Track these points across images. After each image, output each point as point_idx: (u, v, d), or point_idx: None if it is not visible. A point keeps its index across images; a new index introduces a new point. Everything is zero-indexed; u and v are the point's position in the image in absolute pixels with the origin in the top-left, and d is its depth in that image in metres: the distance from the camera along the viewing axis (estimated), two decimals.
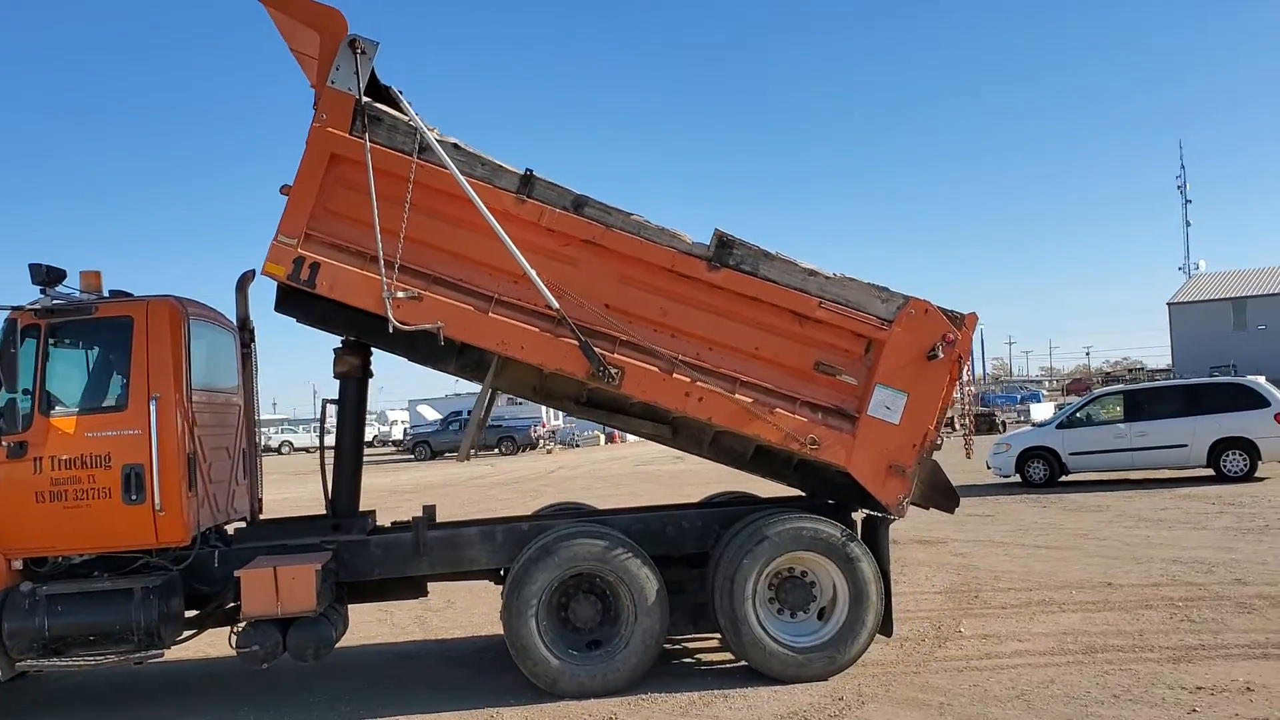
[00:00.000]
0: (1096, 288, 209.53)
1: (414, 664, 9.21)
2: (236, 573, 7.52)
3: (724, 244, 7.87)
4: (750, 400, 7.89)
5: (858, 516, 8.53)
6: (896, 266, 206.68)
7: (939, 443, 8.03)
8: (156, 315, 7.73)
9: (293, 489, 28.30)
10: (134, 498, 7.46)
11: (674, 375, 7.82)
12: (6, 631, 7.33)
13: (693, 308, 7.90)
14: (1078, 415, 21.06)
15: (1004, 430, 35.67)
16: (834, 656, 7.82)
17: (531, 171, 7.85)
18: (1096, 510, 16.72)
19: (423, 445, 49.13)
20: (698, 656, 8.79)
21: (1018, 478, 20.95)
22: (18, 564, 7.56)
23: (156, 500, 7.46)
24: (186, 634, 8.15)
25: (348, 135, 7.57)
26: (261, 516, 9.09)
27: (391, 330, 7.60)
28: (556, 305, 7.63)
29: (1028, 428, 26.13)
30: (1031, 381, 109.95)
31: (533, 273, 7.59)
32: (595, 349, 7.69)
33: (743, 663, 7.94)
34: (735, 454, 8.63)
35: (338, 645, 9.36)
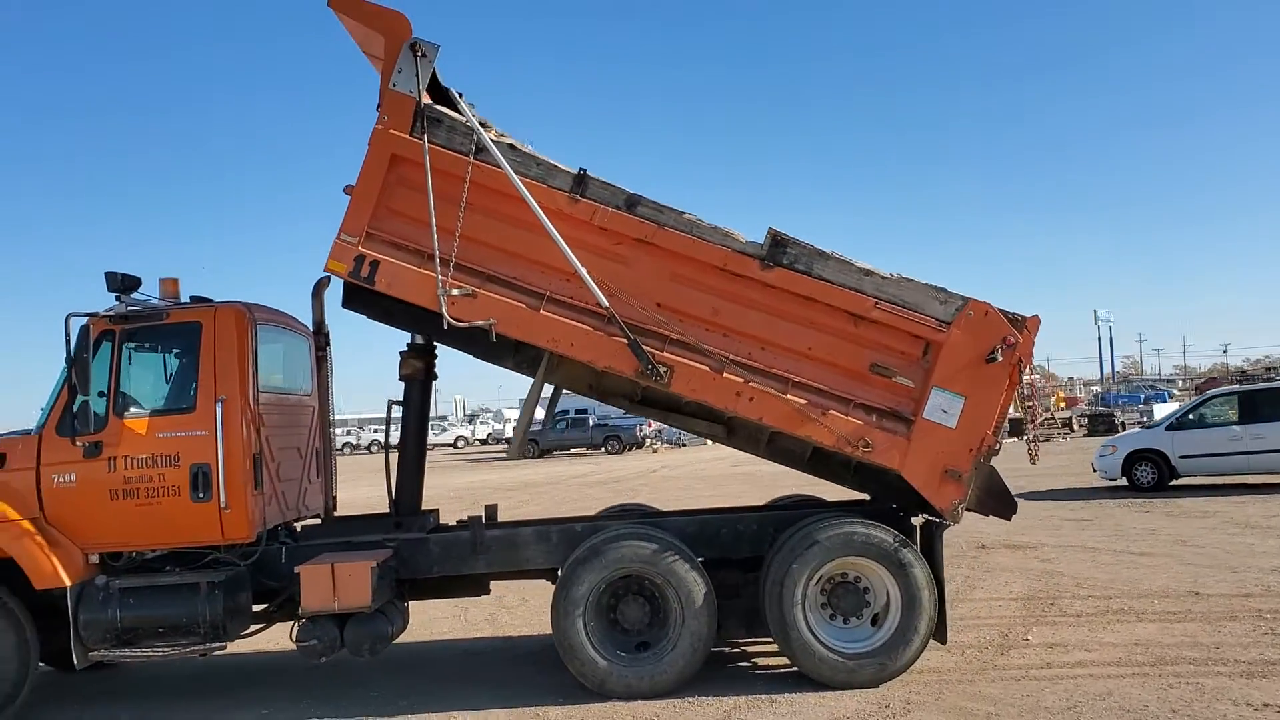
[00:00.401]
0: (1237, 283, 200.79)
1: (478, 660, 9.39)
2: (296, 569, 7.77)
3: (778, 243, 7.83)
4: (803, 401, 7.83)
5: (918, 522, 8.40)
6: (1021, 258, 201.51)
7: (997, 448, 7.85)
8: (224, 321, 8.03)
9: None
10: (201, 496, 7.77)
11: (724, 374, 7.81)
12: (82, 622, 7.70)
13: (745, 307, 7.88)
14: (1189, 416, 20.27)
15: (1123, 431, 34.49)
16: (885, 663, 7.72)
17: (585, 171, 7.94)
18: (1202, 516, 16.08)
19: (530, 443, 49.72)
20: (755, 660, 8.76)
21: (1124, 481, 20.28)
22: (94, 558, 7.93)
23: (222, 498, 7.75)
24: (255, 628, 8.45)
25: (408, 136, 7.75)
26: (336, 514, 9.37)
27: (446, 327, 7.77)
28: (606, 303, 7.69)
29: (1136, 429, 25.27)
30: (1162, 380, 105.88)
31: (583, 270, 7.66)
32: (645, 347, 7.73)
33: (795, 668, 7.88)
34: (793, 455, 8.59)
35: (408, 641, 9.70)
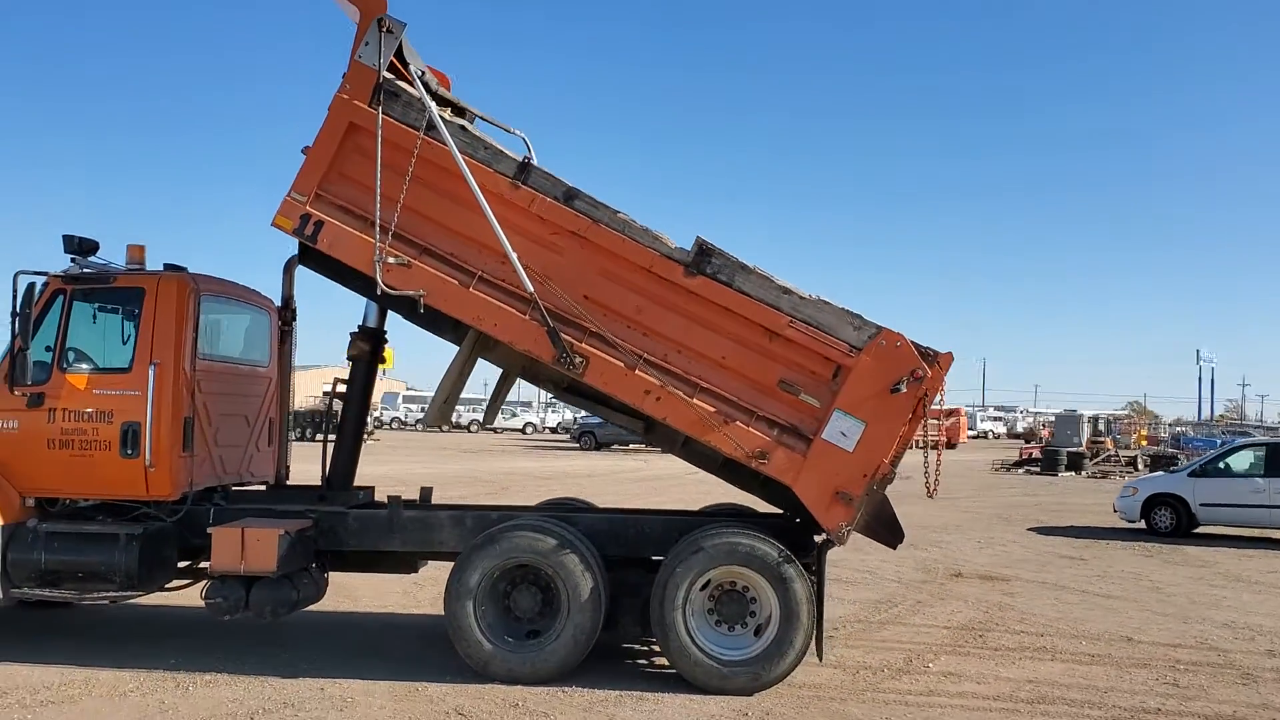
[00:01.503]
0: None
1: (394, 635, 9.74)
2: (209, 529, 8.19)
3: (704, 252, 8.04)
4: (709, 408, 8.02)
5: (821, 539, 8.50)
6: (1120, 295, 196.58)
7: (891, 477, 7.93)
8: (165, 289, 8.49)
9: (398, 464, 29.59)
10: (129, 452, 8.25)
11: (636, 372, 8.03)
12: (10, 560, 8.22)
13: (667, 309, 8.11)
14: (1214, 465, 19.84)
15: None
16: (758, 674, 7.87)
17: (529, 159, 8.30)
18: (1198, 565, 15.77)
19: (588, 435, 50.00)
20: (653, 660, 8.92)
21: (1143, 524, 19.92)
22: (30, 502, 8.46)
23: (147, 456, 8.22)
24: (182, 583, 8.91)
25: (365, 106, 8.12)
26: (284, 484, 9.82)
27: (379, 293, 8.16)
28: (531, 288, 7.97)
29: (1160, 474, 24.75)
30: (1263, 427, 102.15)
31: (512, 253, 7.95)
32: (564, 336, 7.99)
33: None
34: (708, 459, 8.81)
35: (349, 610, 10.13)
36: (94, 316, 8.64)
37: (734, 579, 8.08)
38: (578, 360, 8.05)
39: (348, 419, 9.41)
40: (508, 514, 8.76)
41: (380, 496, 9.48)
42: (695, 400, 8.03)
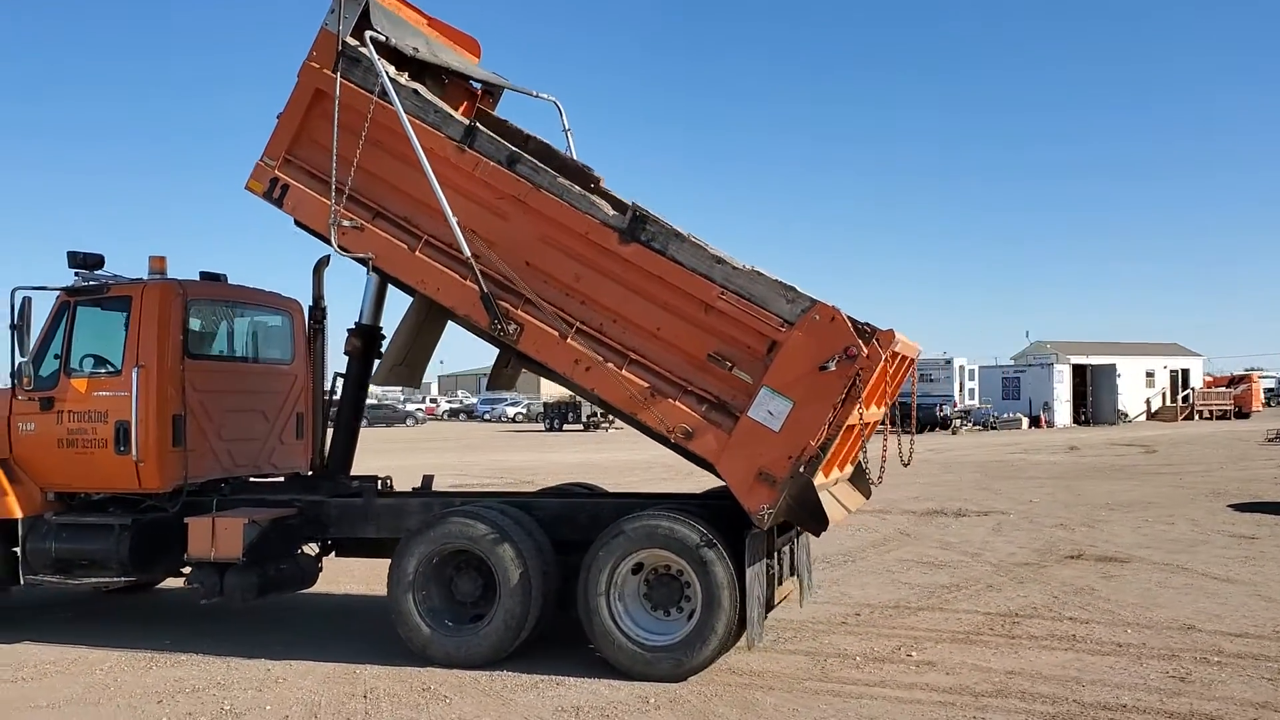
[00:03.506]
0: None
1: (364, 618, 9.93)
2: (186, 519, 8.73)
3: (638, 218, 7.86)
4: (638, 381, 7.84)
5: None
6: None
7: (818, 460, 7.44)
8: (150, 296, 9.11)
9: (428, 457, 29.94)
10: (122, 449, 8.92)
11: (568, 341, 7.95)
12: (28, 550, 9.07)
13: (603, 277, 8.00)
14: None
15: None
16: (681, 660, 7.59)
17: (475, 124, 8.36)
18: None
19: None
20: None
21: None
22: (50, 496, 9.29)
23: (135, 452, 8.85)
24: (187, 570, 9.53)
25: (328, 72, 8.42)
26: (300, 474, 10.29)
27: (335, 254, 8.50)
28: (468, 251, 8.05)
29: None
30: None
31: (450, 214, 8.06)
32: (501, 303, 8.03)
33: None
34: (654, 432, 8.54)
35: (346, 593, 10.51)
36: (99, 324, 9.36)
37: (667, 563, 7.82)
38: (511, 328, 8.05)
39: (344, 410, 9.76)
40: (470, 500, 8.83)
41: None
42: (624, 372, 7.85)
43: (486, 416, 77.05)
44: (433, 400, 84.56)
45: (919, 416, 48.67)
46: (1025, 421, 53.53)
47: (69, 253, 9.33)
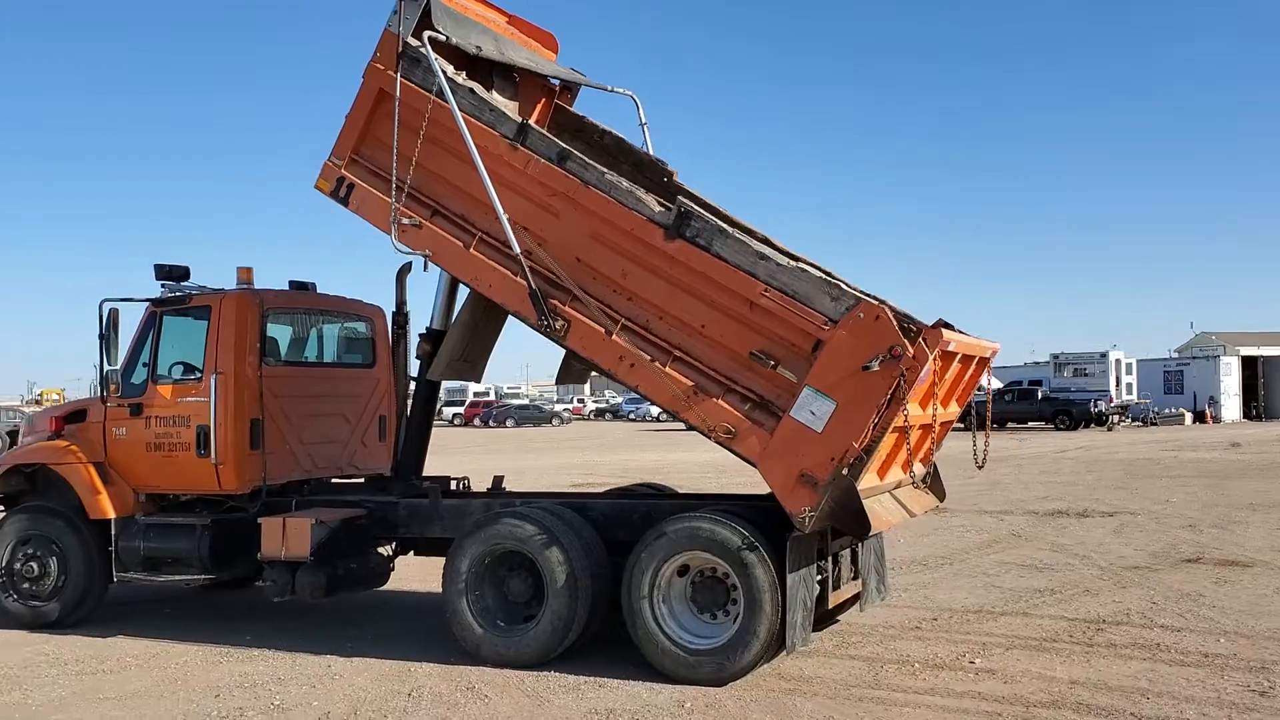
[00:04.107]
0: None
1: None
2: (259, 520, 9.05)
3: (683, 215, 7.81)
4: (682, 379, 7.79)
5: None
6: None
7: (861, 463, 7.23)
8: (227, 306, 9.48)
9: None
10: (203, 452, 9.31)
11: (613, 338, 7.96)
12: (120, 549, 9.54)
13: (650, 274, 7.97)
14: None
15: None
16: (723, 663, 7.48)
17: (528, 122, 8.45)
18: None
19: None
20: None
21: None
22: (143, 498, 9.76)
23: (215, 455, 9.23)
24: None
25: (390, 73, 8.62)
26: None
27: (395, 251, 8.68)
28: (517, 248, 8.13)
29: None
30: None
31: (501, 210, 8.15)
32: (550, 299, 8.10)
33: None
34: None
35: (424, 590, 10.70)
36: (185, 333, 9.79)
37: (712, 565, 7.72)
38: (559, 324, 8.09)
39: (415, 413, 9.95)
40: (528, 501, 8.89)
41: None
42: (669, 370, 7.80)
43: (631, 416, 77.39)
44: (580, 400, 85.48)
45: (1071, 413, 47.19)
46: (1189, 417, 50.95)
47: (156, 265, 9.79)
